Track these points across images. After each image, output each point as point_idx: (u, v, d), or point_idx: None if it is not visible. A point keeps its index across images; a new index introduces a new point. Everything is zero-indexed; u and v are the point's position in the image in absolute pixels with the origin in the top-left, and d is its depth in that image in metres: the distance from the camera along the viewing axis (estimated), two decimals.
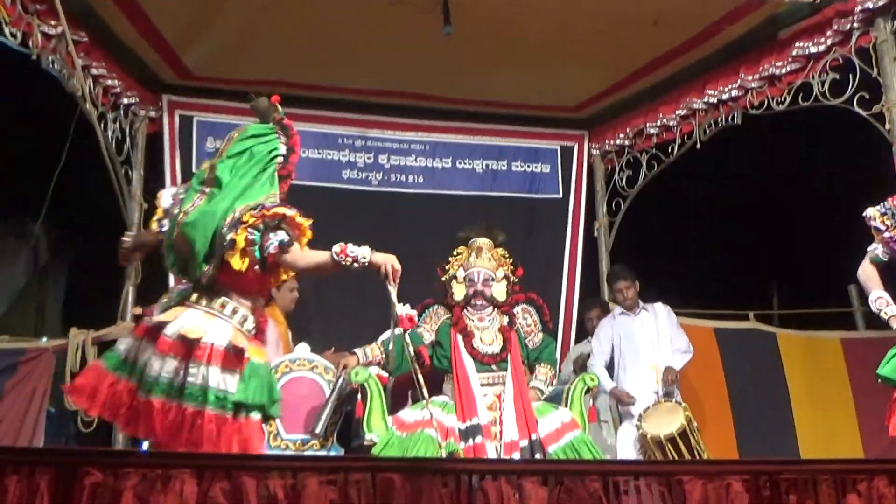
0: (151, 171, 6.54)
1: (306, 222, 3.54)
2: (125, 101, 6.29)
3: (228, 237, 3.32)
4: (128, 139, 6.38)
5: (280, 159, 3.62)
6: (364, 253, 3.50)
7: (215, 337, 3.28)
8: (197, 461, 2.72)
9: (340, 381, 5.10)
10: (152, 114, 6.59)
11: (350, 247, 3.47)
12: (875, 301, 4.24)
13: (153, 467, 2.62)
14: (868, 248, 4.32)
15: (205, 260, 3.36)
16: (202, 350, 3.23)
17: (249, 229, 3.32)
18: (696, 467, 3.02)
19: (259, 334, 3.52)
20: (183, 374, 3.21)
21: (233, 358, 3.27)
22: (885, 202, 4.28)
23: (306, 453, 5.10)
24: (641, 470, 2.90)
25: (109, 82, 6.01)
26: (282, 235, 3.36)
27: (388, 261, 3.59)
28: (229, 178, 3.46)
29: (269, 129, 3.66)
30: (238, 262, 3.31)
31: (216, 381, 3.21)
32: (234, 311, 3.41)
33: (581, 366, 6.23)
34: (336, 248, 3.44)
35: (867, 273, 4.32)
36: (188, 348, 3.24)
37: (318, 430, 5.03)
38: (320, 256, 3.46)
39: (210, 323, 3.32)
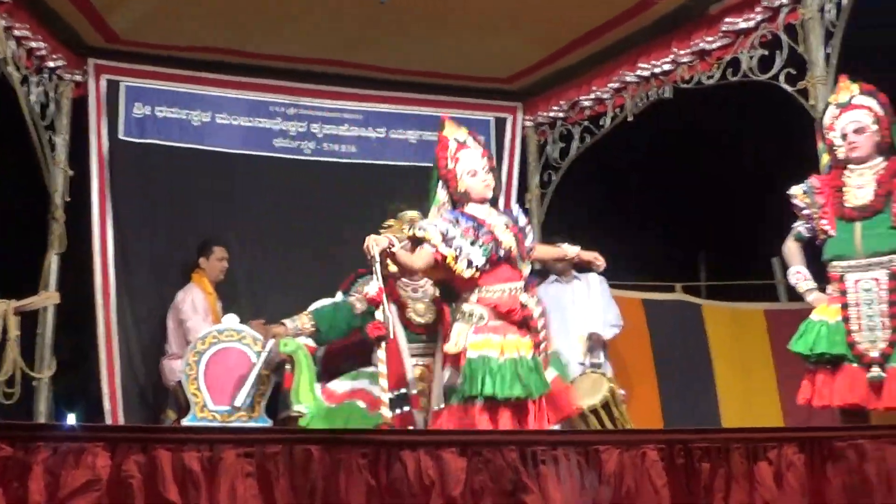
0: (76, 136, 6.38)
1: None
2: (50, 64, 6.09)
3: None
4: (52, 104, 6.19)
5: None
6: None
7: None
8: (110, 434, 2.68)
9: (268, 351, 5.07)
10: (78, 78, 6.41)
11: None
12: (793, 275, 4.40)
13: (65, 440, 2.57)
14: (793, 225, 4.47)
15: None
16: None
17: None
18: (613, 437, 3.08)
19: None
20: None
21: None
22: (807, 181, 4.41)
23: (222, 424, 5.06)
24: (559, 440, 2.93)
25: (33, 45, 5.82)
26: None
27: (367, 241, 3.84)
28: None
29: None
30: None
31: None
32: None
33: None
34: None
35: (790, 249, 4.49)
36: None
37: (238, 403, 5.00)
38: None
39: None
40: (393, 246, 4.10)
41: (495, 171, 4.27)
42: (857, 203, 4.23)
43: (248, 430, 4.13)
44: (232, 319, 5.47)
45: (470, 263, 4.05)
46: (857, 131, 4.30)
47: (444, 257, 4.05)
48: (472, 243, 4.06)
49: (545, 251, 4.64)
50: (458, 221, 4.12)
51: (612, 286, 6.34)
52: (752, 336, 6.70)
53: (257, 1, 5.87)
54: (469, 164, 4.27)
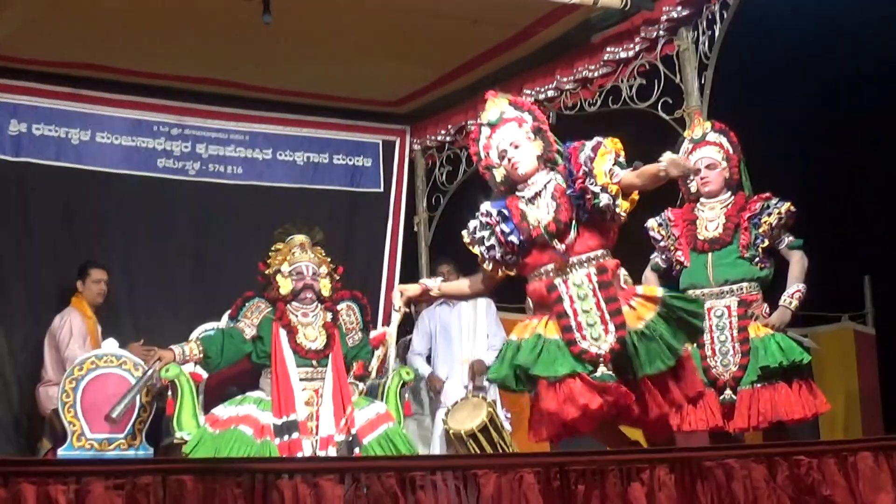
0: None
1: None
2: None
3: None
4: None
5: None
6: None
7: None
8: None
9: (150, 371, 4.95)
10: None
11: None
12: None
13: None
14: (651, 256, 4.67)
15: None
16: None
17: None
18: (491, 461, 3.11)
19: None
20: None
21: None
22: (662, 214, 4.63)
23: (98, 454, 4.92)
24: (437, 465, 2.94)
25: None
26: None
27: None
28: None
29: None
30: None
31: None
32: None
33: (402, 353, 6.31)
34: None
35: (647, 280, 4.67)
36: None
37: (114, 415, 4.85)
38: None
39: None
40: (430, 290, 3.83)
41: (541, 132, 3.68)
42: (708, 235, 4.50)
43: (117, 461, 4.01)
44: (111, 344, 5.34)
45: (492, 259, 3.65)
46: (709, 167, 4.57)
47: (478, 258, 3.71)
48: (491, 236, 3.63)
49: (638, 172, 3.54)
50: (488, 215, 3.67)
51: (499, 308, 6.40)
52: None
53: (140, 18, 5.74)
54: (498, 148, 3.70)
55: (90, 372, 5.16)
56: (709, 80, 5.49)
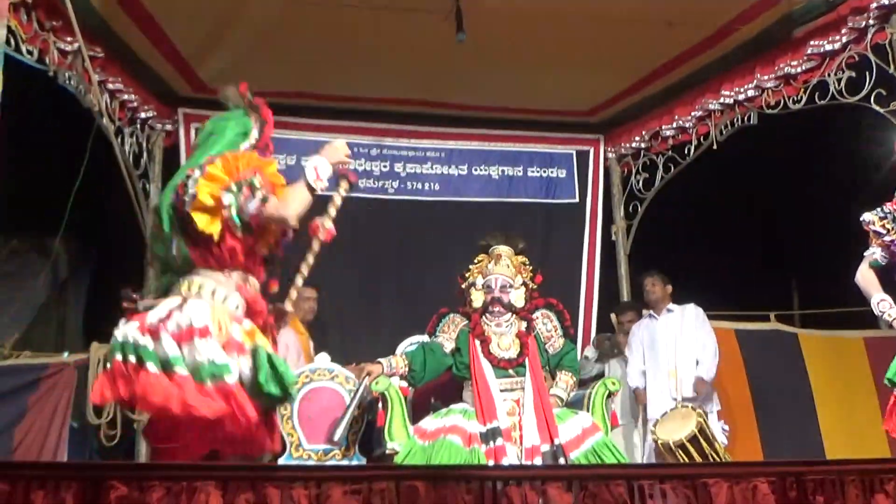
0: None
1: (272, 166, 3.28)
2: (142, 115, 6.33)
3: (190, 192, 3.09)
4: (145, 153, 6.42)
5: (250, 134, 3.39)
6: (324, 165, 3.39)
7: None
8: (221, 472, 2.72)
9: (362, 388, 5.10)
10: (168, 127, 6.64)
11: (314, 165, 3.33)
12: (878, 304, 4.24)
13: (177, 480, 2.62)
14: (865, 253, 4.33)
15: (171, 236, 3.16)
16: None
17: (222, 192, 3.08)
18: (722, 469, 3.01)
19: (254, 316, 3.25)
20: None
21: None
22: (884, 206, 4.29)
23: (328, 463, 5.11)
24: (666, 473, 2.88)
25: (126, 97, 6.05)
26: (259, 193, 3.11)
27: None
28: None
29: (233, 113, 3.45)
30: (206, 223, 3.07)
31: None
32: (213, 293, 3.12)
33: (608, 348, 6.28)
34: (308, 175, 3.28)
35: (866, 277, 4.32)
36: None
37: (336, 438, 5.03)
38: (298, 191, 3.26)
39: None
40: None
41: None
42: None
43: (354, 467, 4.15)
44: (324, 359, 5.54)
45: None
46: None
47: None
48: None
49: None
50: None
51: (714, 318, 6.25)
52: (852, 365, 6.50)
53: (339, 45, 5.99)
54: None
55: (305, 386, 5.38)
56: None
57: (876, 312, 4.27)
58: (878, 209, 4.30)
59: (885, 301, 4.22)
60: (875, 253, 4.31)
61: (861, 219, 4.33)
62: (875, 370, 6.39)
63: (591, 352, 6.60)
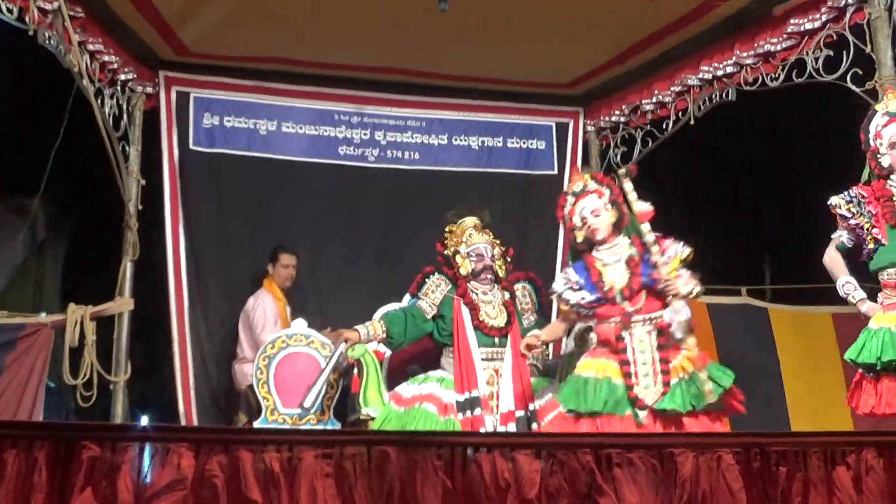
0: (148, 146, 6.51)
1: None
2: (122, 77, 6.24)
3: None
4: (125, 115, 6.33)
5: None
6: None
7: None
8: (194, 435, 2.73)
9: (337, 354, 5.11)
10: (149, 90, 6.54)
11: None
12: (843, 286, 4.32)
13: (150, 441, 2.62)
14: (833, 235, 4.38)
15: None
16: None
17: None
18: (688, 440, 3.03)
19: None
20: None
21: None
22: (850, 190, 4.34)
23: (302, 427, 5.12)
24: (633, 443, 2.91)
25: (106, 58, 5.96)
26: None
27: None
28: None
29: None
30: None
31: None
32: None
33: (580, 338, 6.26)
34: None
35: (833, 259, 4.40)
36: None
37: (307, 404, 5.05)
38: None
39: None
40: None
41: (616, 204, 4.36)
42: None
43: (326, 431, 4.17)
44: (300, 324, 5.54)
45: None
46: None
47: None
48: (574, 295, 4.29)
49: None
50: (572, 281, 4.32)
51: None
52: (820, 340, 6.54)
53: (321, 11, 5.92)
54: (580, 215, 4.37)
55: (282, 350, 5.38)
56: None
57: (841, 294, 4.34)
58: (845, 193, 4.36)
59: (850, 283, 4.30)
60: (842, 236, 4.38)
61: (829, 202, 4.38)
62: (842, 346, 6.42)
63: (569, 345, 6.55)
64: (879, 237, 4.22)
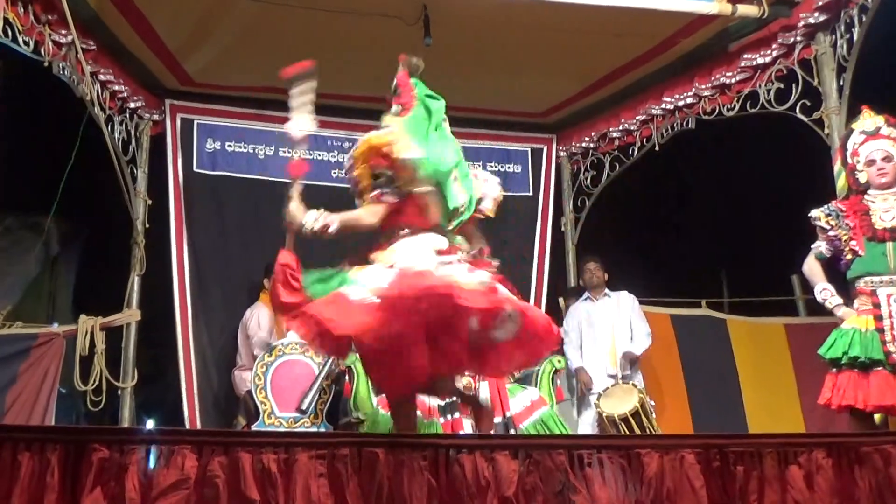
0: (155, 169, 6.49)
1: None
2: (131, 105, 6.23)
3: None
4: (133, 140, 6.33)
5: None
6: None
7: None
8: (196, 437, 2.71)
9: (330, 362, 5.09)
10: (156, 117, 6.54)
11: None
12: (821, 292, 4.31)
13: (156, 443, 2.60)
14: (812, 245, 4.39)
15: None
16: None
17: None
18: (654, 441, 3.04)
19: None
20: None
21: None
22: (830, 204, 4.35)
23: (298, 429, 5.09)
24: (603, 444, 2.91)
25: (116, 87, 5.95)
26: None
27: None
28: None
29: None
30: None
31: None
32: None
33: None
34: None
35: (812, 268, 4.40)
36: None
37: (304, 407, 5.03)
38: None
39: None
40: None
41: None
42: (887, 225, 4.17)
43: (320, 434, 4.14)
44: (295, 334, 5.50)
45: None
46: (885, 159, 4.24)
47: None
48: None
49: None
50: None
51: (640, 302, 6.28)
52: (773, 349, 6.57)
53: (315, 45, 5.87)
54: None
55: (278, 358, 5.35)
56: (848, 83, 5.21)
57: (819, 299, 4.34)
58: (825, 206, 4.36)
59: (828, 289, 4.30)
60: (821, 246, 4.37)
61: (809, 215, 4.39)
62: (794, 354, 6.50)
63: None
64: (857, 248, 4.22)
